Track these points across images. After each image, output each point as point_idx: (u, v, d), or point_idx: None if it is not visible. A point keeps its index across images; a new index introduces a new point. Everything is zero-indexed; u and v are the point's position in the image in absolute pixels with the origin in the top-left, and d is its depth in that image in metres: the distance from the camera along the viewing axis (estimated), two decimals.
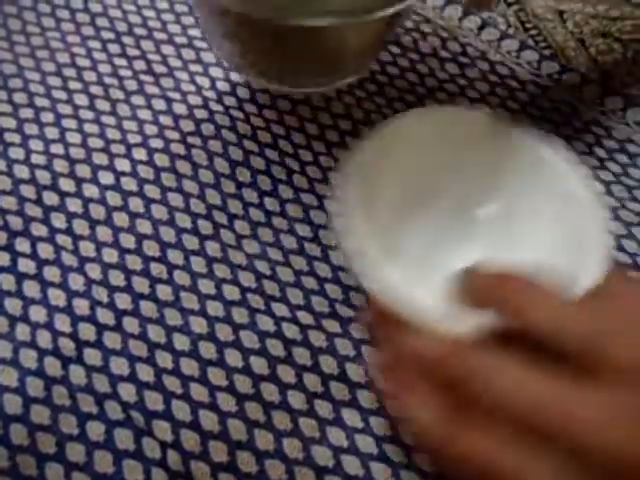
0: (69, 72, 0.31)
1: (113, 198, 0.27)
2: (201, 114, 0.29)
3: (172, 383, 0.22)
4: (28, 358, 0.23)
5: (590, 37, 0.34)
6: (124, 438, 0.21)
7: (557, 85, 0.32)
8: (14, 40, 0.32)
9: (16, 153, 0.28)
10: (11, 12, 0.33)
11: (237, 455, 0.21)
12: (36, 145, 0.28)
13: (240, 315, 0.24)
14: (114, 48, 0.32)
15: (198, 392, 0.22)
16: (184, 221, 0.26)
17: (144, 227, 0.26)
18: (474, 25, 0.34)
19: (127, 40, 0.32)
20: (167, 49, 0.32)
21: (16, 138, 0.28)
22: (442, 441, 0.17)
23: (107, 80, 0.30)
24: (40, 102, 0.29)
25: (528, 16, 0.35)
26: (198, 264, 0.25)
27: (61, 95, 0.30)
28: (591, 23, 0.34)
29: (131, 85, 0.30)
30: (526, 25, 0.35)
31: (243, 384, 0.23)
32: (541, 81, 0.32)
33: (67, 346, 0.23)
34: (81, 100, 0.30)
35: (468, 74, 0.32)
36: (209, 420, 0.22)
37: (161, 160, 0.28)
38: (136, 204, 0.26)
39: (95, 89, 0.30)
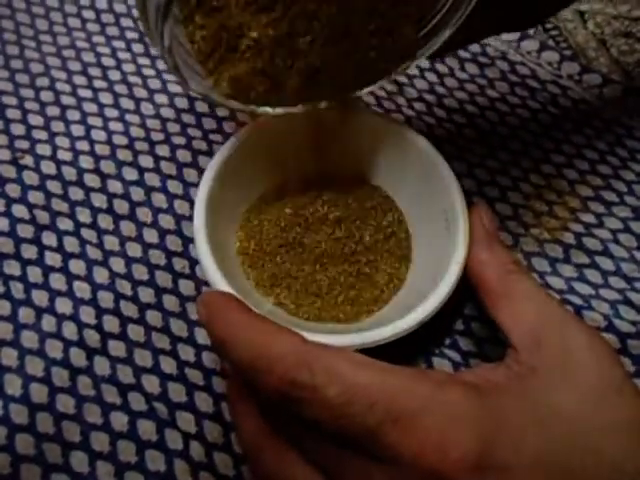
0: (94, 71, 0.31)
1: (137, 193, 0.27)
2: (222, 111, 0.30)
3: (194, 375, 0.23)
4: (54, 348, 0.23)
5: (611, 38, 0.34)
6: (147, 428, 0.22)
7: (578, 85, 0.32)
8: (41, 40, 0.32)
9: (43, 149, 0.28)
10: (39, 13, 0.33)
11: None
12: (62, 142, 0.29)
13: None
14: (138, 48, 0.32)
15: (220, 384, 0.23)
16: None
17: (167, 222, 0.26)
18: None
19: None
20: None
21: (43, 135, 0.29)
22: (251, 455, 0.17)
23: (131, 79, 0.31)
24: (66, 100, 0.30)
25: None
26: None
27: (86, 94, 0.30)
28: (612, 24, 0.34)
29: (154, 84, 0.31)
30: (546, 25, 0.35)
31: None
32: (562, 81, 0.32)
33: (92, 337, 0.23)
34: (106, 98, 0.30)
35: (487, 74, 0.32)
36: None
37: (183, 156, 0.28)
38: (159, 199, 0.27)
39: (119, 88, 0.31)
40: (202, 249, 0.20)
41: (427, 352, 0.24)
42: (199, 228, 0.21)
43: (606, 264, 0.26)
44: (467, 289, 0.21)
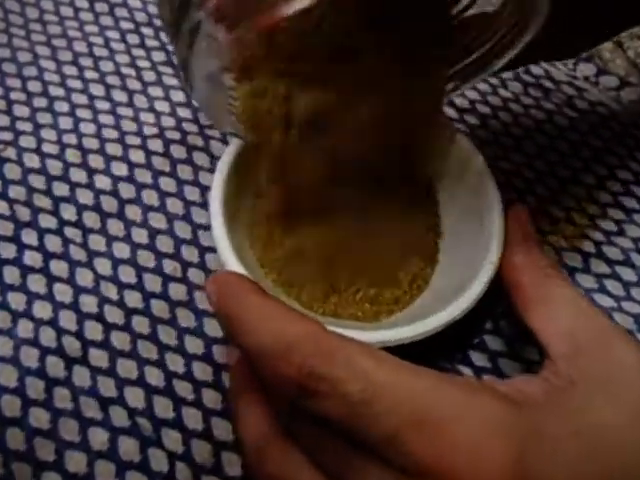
0: (86, 62, 0.29)
1: (126, 190, 0.25)
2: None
3: (183, 388, 0.21)
4: (29, 357, 0.21)
5: (628, 40, 0.32)
6: (129, 448, 0.20)
7: (594, 87, 0.30)
8: (31, 28, 0.31)
9: (27, 142, 0.26)
10: (29, 1, 0.32)
11: None
12: (48, 134, 0.27)
13: None
14: (133, 38, 0.31)
15: (211, 398, 0.21)
16: (200, 216, 0.25)
17: (158, 221, 0.24)
18: None
19: (146, 31, 0.31)
20: None
21: (28, 127, 0.27)
22: (254, 454, 0.15)
23: (124, 70, 0.29)
24: (55, 91, 0.28)
25: None
26: (214, 262, 0.24)
27: (76, 84, 0.29)
28: None
29: (149, 76, 0.29)
30: None
31: None
32: (577, 83, 0.30)
33: (72, 345, 0.21)
34: (97, 90, 0.28)
35: (500, 74, 0.31)
36: (223, 429, 0.20)
37: (178, 152, 0.26)
38: (150, 197, 0.25)
39: (112, 79, 0.29)
40: (218, 231, 0.19)
41: (452, 357, 0.22)
42: (216, 210, 0.20)
43: (628, 274, 0.24)
44: (498, 292, 0.19)
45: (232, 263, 0.18)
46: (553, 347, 0.16)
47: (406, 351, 0.17)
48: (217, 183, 0.20)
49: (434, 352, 0.22)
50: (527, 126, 0.29)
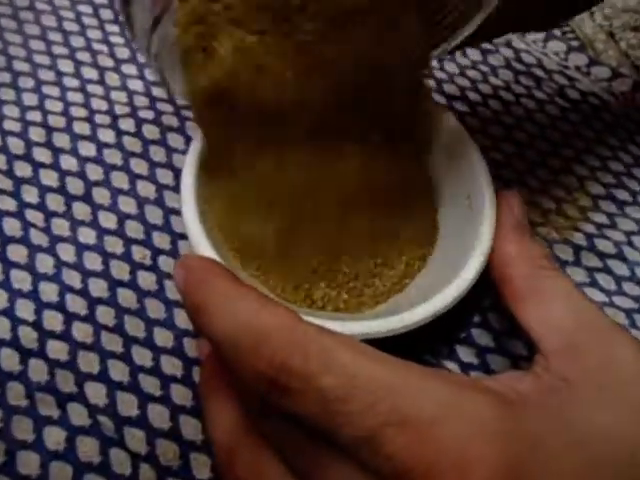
0: (54, 36, 0.28)
1: (94, 171, 0.23)
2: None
3: (150, 384, 0.19)
4: None
5: (620, 31, 0.32)
6: (88, 448, 0.18)
7: (586, 77, 0.30)
8: None
9: None
10: None
11: None
12: (11, 111, 0.25)
13: None
14: (106, 14, 0.29)
15: (180, 395, 0.19)
16: (173, 200, 0.23)
17: (127, 205, 0.23)
18: None
19: None
20: None
21: None
22: (223, 461, 0.14)
23: (96, 47, 0.27)
24: (19, 66, 0.26)
25: None
26: (187, 249, 0.22)
27: (44, 60, 0.27)
28: (622, 16, 0.32)
29: (122, 53, 0.27)
30: None
31: None
32: (569, 72, 0.30)
33: (28, 336, 0.20)
34: (66, 66, 0.27)
35: (491, 61, 0.30)
36: (191, 428, 0.18)
37: (151, 132, 0.25)
38: (120, 179, 0.23)
39: (82, 55, 0.27)
40: (188, 214, 0.18)
41: (438, 351, 0.21)
42: (187, 192, 0.18)
43: (620, 268, 0.23)
44: (486, 284, 0.18)
45: (203, 248, 0.17)
46: (545, 342, 0.15)
47: (389, 345, 0.16)
48: (189, 163, 0.19)
49: (419, 346, 0.20)
50: (518, 115, 0.28)
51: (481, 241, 0.18)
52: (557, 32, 0.31)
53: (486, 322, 0.22)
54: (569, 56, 0.30)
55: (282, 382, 0.12)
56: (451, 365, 0.21)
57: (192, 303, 0.14)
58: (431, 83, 0.28)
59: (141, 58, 0.27)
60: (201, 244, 0.17)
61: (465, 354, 0.21)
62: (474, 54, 0.30)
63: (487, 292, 0.22)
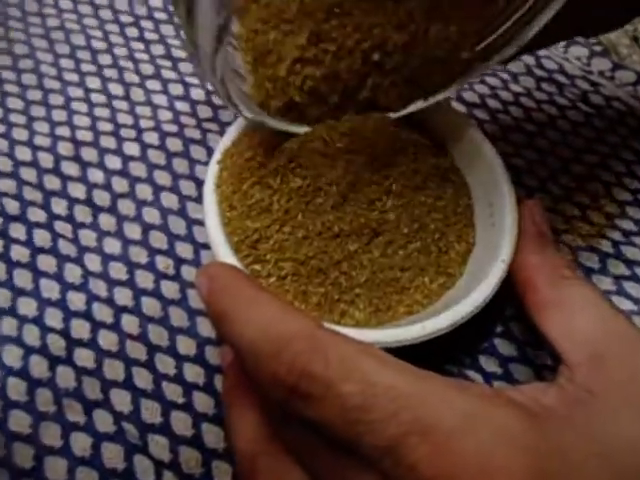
0: (83, 54, 0.29)
1: (119, 184, 0.24)
2: (219, 99, 0.27)
3: (173, 391, 0.19)
4: (12, 355, 0.20)
5: None
6: (113, 454, 0.18)
7: (610, 82, 0.29)
8: (29, 22, 0.30)
9: (19, 134, 0.26)
10: None
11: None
12: (41, 127, 0.26)
13: None
14: (132, 31, 0.30)
15: (202, 402, 0.19)
16: (196, 211, 0.24)
17: (151, 216, 0.23)
18: None
19: (146, 24, 0.30)
20: None
21: (21, 119, 0.26)
22: (245, 469, 0.14)
23: (122, 63, 0.28)
24: (50, 84, 0.27)
25: None
26: (209, 259, 0.22)
27: (73, 77, 0.28)
28: None
29: (147, 69, 0.28)
30: None
31: None
32: (592, 77, 0.29)
33: (56, 344, 0.20)
34: (93, 83, 0.28)
35: (511, 68, 0.29)
36: (213, 436, 0.19)
37: (174, 145, 0.25)
38: (144, 191, 0.24)
39: (109, 72, 0.28)
40: (211, 221, 0.18)
41: (460, 361, 0.21)
42: (209, 198, 0.19)
43: None
44: (509, 292, 0.18)
45: (225, 256, 0.17)
46: (569, 353, 0.15)
47: (410, 354, 0.16)
48: (211, 174, 0.19)
49: (441, 356, 0.20)
50: (540, 121, 0.27)
51: (502, 250, 0.18)
52: (579, 37, 0.31)
53: (509, 332, 0.21)
54: (592, 61, 0.30)
55: (302, 388, 0.12)
56: (474, 374, 0.20)
57: (215, 310, 0.14)
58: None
59: (208, 85, 0.28)
60: (223, 253, 0.17)
61: (488, 364, 0.21)
62: None
63: (510, 301, 0.22)
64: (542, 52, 0.30)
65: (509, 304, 0.21)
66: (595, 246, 0.23)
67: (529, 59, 0.30)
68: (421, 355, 0.18)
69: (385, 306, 0.19)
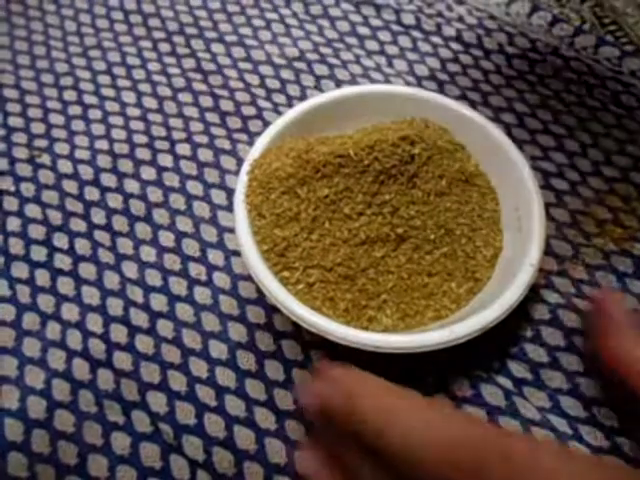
0: (119, 70, 0.30)
1: (154, 194, 0.25)
2: (248, 111, 0.28)
3: (206, 394, 0.20)
4: (56, 359, 0.21)
5: None
6: (150, 453, 0.19)
7: None
8: (68, 40, 0.32)
9: (61, 148, 0.27)
10: (68, 14, 0.33)
11: None
12: (81, 141, 0.27)
13: (282, 323, 0.22)
14: (164, 47, 0.31)
15: (234, 405, 0.20)
16: (227, 220, 0.24)
17: (185, 225, 0.24)
18: (544, 21, 0.31)
19: (178, 39, 0.31)
20: (217, 47, 0.31)
21: (62, 134, 0.28)
22: None
23: (155, 78, 0.30)
24: (89, 99, 0.29)
25: (605, 11, 0.32)
26: (240, 265, 0.23)
27: (110, 93, 0.29)
28: None
29: (178, 82, 0.29)
30: (603, 20, 0.32)
31: (283, 399, 0.20)
32: (623, 78, 0.29)
33: (97, 347, 0.21)
34: (129, 97, 0.29)
35: (538, 71, 0.29)
36: (245, 438, 0.19)
37: (205, 155, 0.26)
38: (177, 200, 0.25)
39: (143, 87, 0.29)
40: (242, 232, 0.19)
41: (489, 366, 0.20)
42: (239, 208, 0.20)
43: None
44: (538, 296, 0.18)
45: (255, 262, 0.18)
46: None
47: (441, 359, 0.16)
48: (241, 184, 0.20)
49: (470, 361, 0.20)
50: (569, 124, 0.27)
51: (531, 254, 0.18)
52: (609, 37, 0.31)
53: (539, 336, 0.21)
54: (623, 61, 0.29)
55: None
56: (504, 381, 0.20)
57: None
58: (476, 96, 0.28)
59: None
60: (253, 260, 0.18)
61: (517, 369, 0.20)
62: (521, 64, 0.29)
63: (539, 304, 0.21)
64: (571, 54, 0.30)
65: (538, 309, 0.21)
66: (628, 249, 0.23)
67: (557, 61, 0.29)
68: (451, 360, 0.18)
69: (413, 311, 0.19)
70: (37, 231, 0.24)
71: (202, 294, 0.23)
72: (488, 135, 0.21)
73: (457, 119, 0.22)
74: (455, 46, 0.30)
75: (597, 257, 0.23)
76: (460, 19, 0.31)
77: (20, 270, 0.23)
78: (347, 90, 0.23)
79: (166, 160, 0.26)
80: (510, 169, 0.20)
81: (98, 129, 0.28)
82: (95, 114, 0.28)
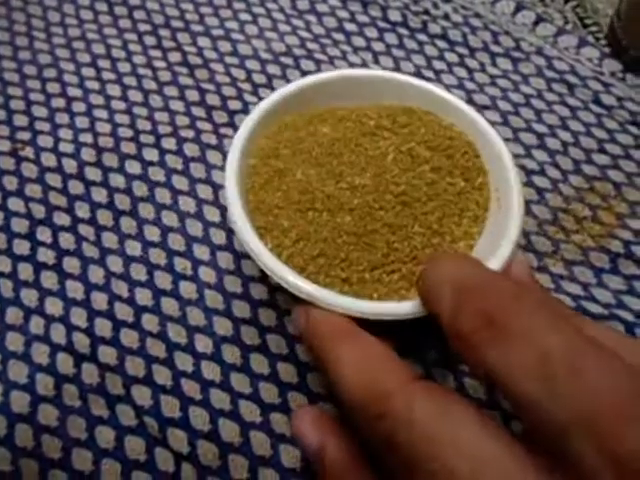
0: (104, 63, 0.30)
1: (139, 188, 0.25)
2: (235, 105, 0.28)
3: (191, 388, 0.20)
4: (40, 353, 0.21)
5: None
6: (135, 447, 0.19)
7: (622, 83, 0.29)
8: (52, 31, 0.31)
9: (45, 141, 0.27)
10: (51, 5, 0.32)
11: (259, 472, 0.19)
12: (65, 134, 0.27)
13: (268, 317, 0.22)
14: (150, 40, 0.31)
15: (219, 399, 0.20)
16: (212, 214, 0.24)
17: (170, 219, 0.24)
18: (528, 20, 0.32)
19: (163, 32, 0.31)
20: (203, 41, 0.31)
21: (46, 127, 0.27)
22: None
23: (141, 71, 0.29)
24: (72, 92, 0.29)
25: (587, 12, 0.33)
26: (225, 260, 0.23)
27: (94, 85, 0.29)
28: None
29: (164, 76, 0.29)
30: (585, 21, 0.32)
31: (269, 393, 0.20)
32: (604, 78, 0.29)
33: (81, 342, 0.21)
34: (114, 90, 0.29)
35: (522, 70, 0.30)
36: (230, 431, 0.19)
37: (191, 150, 0.26)
38: (163, 195, 0.25)
39: (128, 80, 0.29)
40: (232, 200, 0.18)
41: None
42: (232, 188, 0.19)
43: None
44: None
45: (249, 237, 0.18)
46: None
47: (430, 332, 0.16)
48: (232, 158, 0.19)
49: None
50: (551, 123, 0.27)
51: (510, 231, 0.18)
52: (590, 38, 0.31)
53: None
54: (603, 62, 0.30)
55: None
56: None
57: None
58: (461, 93, 0.28)
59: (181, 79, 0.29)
60: (247, 235, 0.18)
61: None
62: (505, 63, 0.30)
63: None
64: (553, 53, 0.30)
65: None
66: (606, 246, 0.24)
67: (540, 60, 0.30)
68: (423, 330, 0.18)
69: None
70: (20, 225, 0.24)
71: (187, 288, 0.23)
72: (464, 115, 0.21)
73: (433, 101, 0.22)
74: (441, 44, 0.31)
75: (576, 253, 0.23)
76: (446, 17, 0.32)
77: (3, 264, 0.23)
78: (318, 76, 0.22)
79: (152, 154, 0.26)
80: (489, 148, 0.20)
81: (82, 122, 0.27)
82: (79, 107, 0.28)
